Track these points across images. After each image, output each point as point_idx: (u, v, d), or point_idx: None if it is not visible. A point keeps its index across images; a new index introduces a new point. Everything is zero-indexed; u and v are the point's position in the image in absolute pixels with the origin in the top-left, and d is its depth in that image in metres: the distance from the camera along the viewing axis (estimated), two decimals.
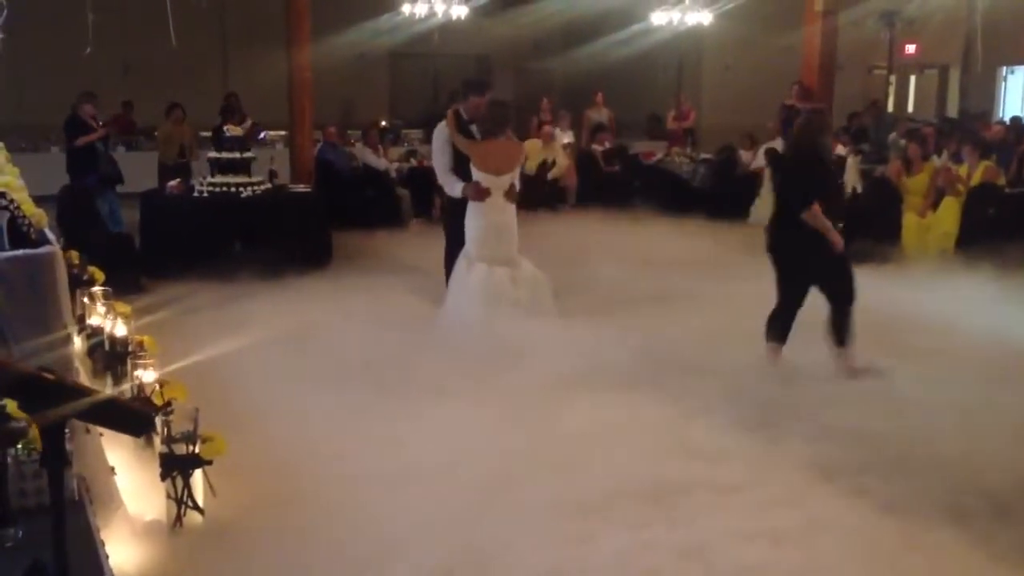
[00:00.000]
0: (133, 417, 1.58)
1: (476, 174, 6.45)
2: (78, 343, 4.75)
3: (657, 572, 3.48)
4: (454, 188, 6.66)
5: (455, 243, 6.81)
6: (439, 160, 6.79)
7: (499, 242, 6.46)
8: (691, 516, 3.87)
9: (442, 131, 6.76)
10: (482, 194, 6.43)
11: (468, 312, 6.30)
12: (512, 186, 6.59)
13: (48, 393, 1.47)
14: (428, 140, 15.58)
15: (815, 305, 5.78)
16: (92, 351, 4.95)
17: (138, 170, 10.80)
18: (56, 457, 1.50)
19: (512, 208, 6.57)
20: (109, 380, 4.71)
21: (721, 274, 8.42)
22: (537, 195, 11.43)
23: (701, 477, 4.22)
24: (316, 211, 9.65)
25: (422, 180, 12.21)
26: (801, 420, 4.93)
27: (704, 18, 16.77)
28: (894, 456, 4.44)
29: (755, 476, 4.28)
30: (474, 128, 6.73)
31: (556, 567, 3.49)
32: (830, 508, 3.97)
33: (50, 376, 1.53)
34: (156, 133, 12.40)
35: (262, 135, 12.82)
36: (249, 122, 11.24)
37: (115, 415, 1.64)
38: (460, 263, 6.51)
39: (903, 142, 10.90)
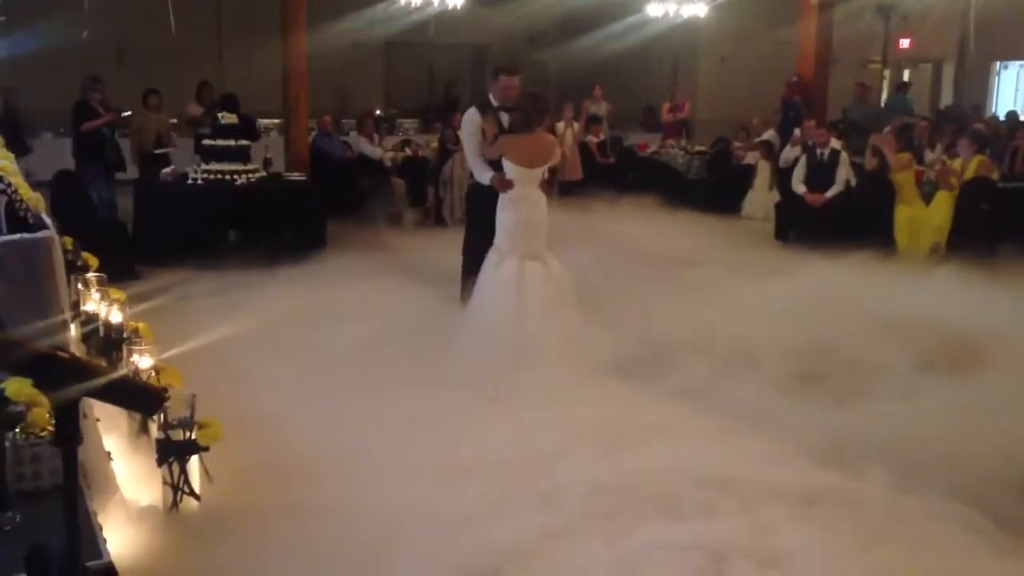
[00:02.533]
0: (145, 396, 1.59)
1: (508, 167, 6.22)
2: (73, 329, 4.74)
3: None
4: (483, 175, 6.44)
5: (478, 232, 6.58)
6: (468, 145, 6.60)
7: (530, 236, 6.24)
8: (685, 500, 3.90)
9: (473, 116, 6.54)
10: (506, 186, 6.23)
11: (496, 307, 6.07)
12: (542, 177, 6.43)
13: (62, 371, 1.48)
14: (424, 130, 15.66)
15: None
16: (87, 338, 4.94)
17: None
18: (69, 436, 1.50)
19: (544, 202, 6.35)
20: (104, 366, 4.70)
21: (714, 266, 8.44)
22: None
23: (700, 464, 4.26)
24: (311, 199, 9.64)
25: (417, 169, 12.22)
26: (795, 407, 5.00)
27: (700, 10, 16.77)
28: (900, 446, 4.45)
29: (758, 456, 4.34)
30: (504, 115, 6.46)
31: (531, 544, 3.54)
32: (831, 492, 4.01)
33: (64, 354, 1.54)
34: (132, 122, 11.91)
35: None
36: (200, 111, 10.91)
37: (128, 393, 1.65)
38: (491, 257, 6.28)
39: (886, 129, 11.01)
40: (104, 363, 4.73)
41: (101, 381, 1.54)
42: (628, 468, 4.19)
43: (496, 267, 6.21)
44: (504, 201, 6.27)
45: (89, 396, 1.54)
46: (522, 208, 6.24)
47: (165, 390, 1.45)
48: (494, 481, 4.07)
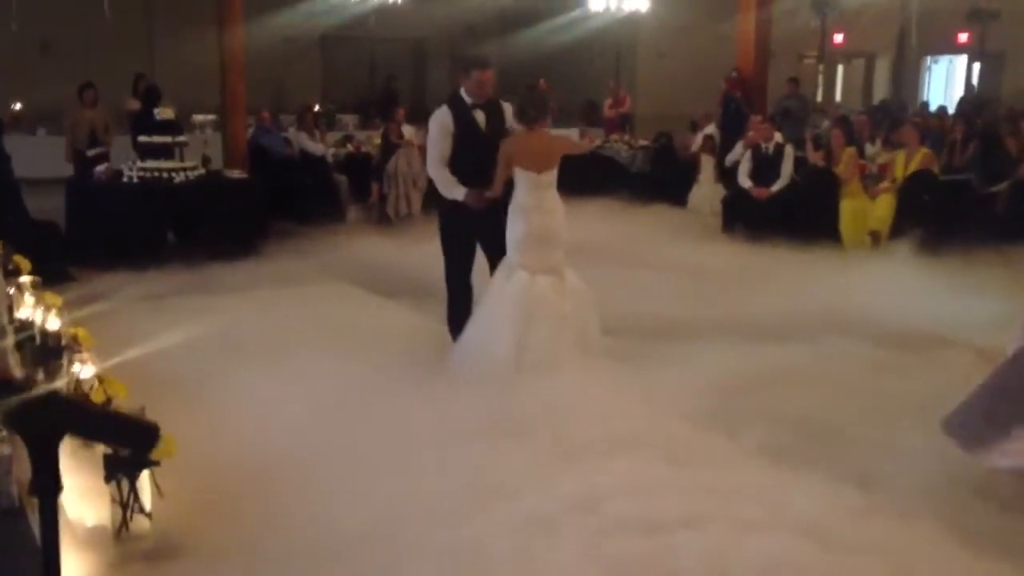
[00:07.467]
0: (137, 431, 1.41)
1: (518, 175, 5.55)
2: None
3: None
4: (451, 190, 5.66)
5: (455, 259, 5.91)
6: (432, 151, 5.78)
7: (543, 249, 5.57)
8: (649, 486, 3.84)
9: (443, 116, 5.73)
10: (482, 201, 5.58)
11: (499, 324, 5.49)
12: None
13: (48, 413, 1.30)
14: (364, 125, 15.37)
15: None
16: (21, 345, 4.67)
17: (45, 154, 10.41)
18: (50, 486, 1.30)
19: (560, 209, 5.66)
20: (41, 376, 4.45)
21: (665, 258, 8.47)
22: None
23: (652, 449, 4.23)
24: (253, 198, 9.37)
25: (359, 166, 12.00)
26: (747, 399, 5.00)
27: (641, 4, 16.81)
28: (859, 442, 4.44)
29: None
30: (479, 114, 5.72)
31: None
32: (792, 492, 3.92)
33: (59, 394, 1.37)
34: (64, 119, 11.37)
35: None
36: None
37: (117, 429, 1.47)
38: (500, 272, 5.66)
39: (826, 123, 11.15)
40: (40, 374, 4.49)
41: (86, 417, 1.37)
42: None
43: (503, 283, 5.59)
44: (514, 210, 5.61)
45: (75, 436, 1.37)
46: (534, 218, 5.56)
47: (157, 426, 1.28)
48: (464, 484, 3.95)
